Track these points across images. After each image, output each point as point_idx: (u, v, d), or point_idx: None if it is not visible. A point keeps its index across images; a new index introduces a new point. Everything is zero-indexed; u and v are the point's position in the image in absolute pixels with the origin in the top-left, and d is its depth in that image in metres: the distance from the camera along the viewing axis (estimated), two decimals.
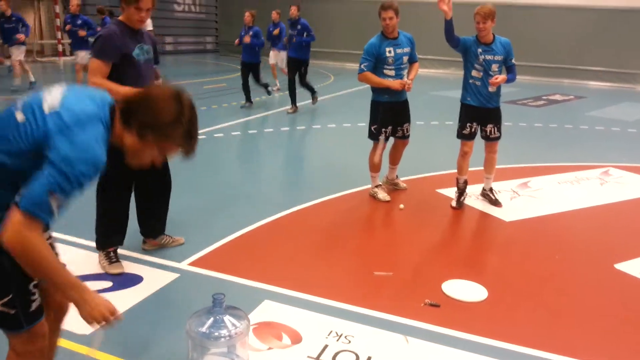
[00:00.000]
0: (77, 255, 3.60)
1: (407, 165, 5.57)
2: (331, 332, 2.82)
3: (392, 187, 5.40)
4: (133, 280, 3.34)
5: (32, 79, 10.71)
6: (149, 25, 3.28)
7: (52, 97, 1.70)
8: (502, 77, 4.63)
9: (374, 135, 5.03)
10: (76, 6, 10.04)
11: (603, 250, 4.10)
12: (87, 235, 3.68)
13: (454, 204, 4.94)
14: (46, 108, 1.65)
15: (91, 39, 8.73)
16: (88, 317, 1.72)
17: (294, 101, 9.63)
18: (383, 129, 4.97)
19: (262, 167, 6.51)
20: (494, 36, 4.67)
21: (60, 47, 17.83)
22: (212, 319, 2.31)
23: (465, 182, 4.95)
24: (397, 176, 5.45)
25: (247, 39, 9.49)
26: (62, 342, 2.45)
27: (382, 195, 5.06)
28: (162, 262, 3.59)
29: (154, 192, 3.64)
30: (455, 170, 4.99)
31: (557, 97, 13.74)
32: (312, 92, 10.08)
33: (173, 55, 21.20)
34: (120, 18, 3.30)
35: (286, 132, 8.24)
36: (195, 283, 3.34)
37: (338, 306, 3.09)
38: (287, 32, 10.02)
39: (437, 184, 5.57)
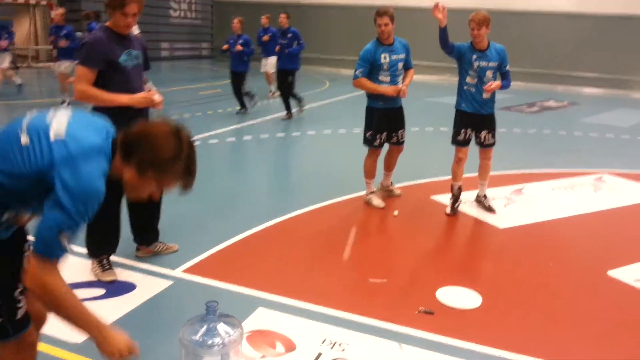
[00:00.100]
0: (69, 262, 3.56)
1: (401, 171, 5.57)
2: (325, 339, 2.81)
3: (387, 193, 5.40)
4: (126, 287, 3.32)
5: (19, 81, 10.67)
6: (135, 29, 3.26)
7: (58, 123, 1.70)
8: (497, 83, 4.66)
9: (368, 142, 5.04)
10: (60, 16, 9.84)
11: (596, 257, 4.11)
12: (80, 242, 3.65)
13: (448, 210, 4.95)
14: (52, 135, 1.66)
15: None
16: (108, 354, 1.77)
17: (288, 108, 9.57)
18: (378, 135, 4.98)
19: (257, 174, 6.50)
20: (488, 43, 4.69)
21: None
22: (205, 326, 2.30)
23: (460, 189, 4.96)
24: (391, 182, 5.46)
25: (239, 48, 9.39)
26: (43, 347, 2.44)
27: (377, 201, 5.06)
28: (156, 269, 3.57)
29: (147, 199, 3.62)
30: (450, 177, 4.99)
31: (552, 103, 13.81)
32: (288, 108, 9.70)
33: (169, 61, 21.20)
34: (107, 24, 3.27)
35: (281, 139, 8.24)
36: (188, 290, 3.33)
37: (332, 314, 3.08)
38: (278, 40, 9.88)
39: (431, 190, 5.58)
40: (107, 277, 3.37)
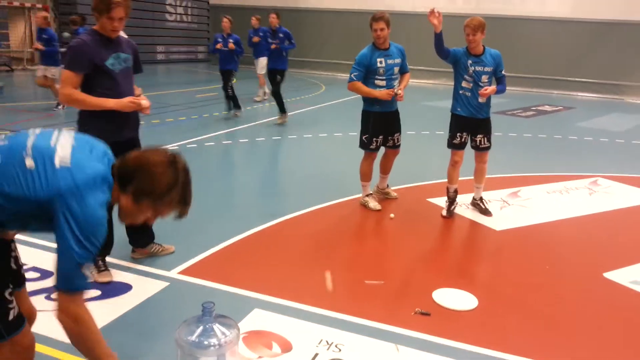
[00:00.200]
0: None
1: (398, 174, 5.59)
2: (322, 340, 2.81)
3: (383, 196, 5.41)
4: (122, 288, 3.31)
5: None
6: (121, 34, 3.21)
7: (63, 148, 1.72)
8: (492, 88, 4.68)
9: (365, 145, 5.05)
10: (42, 19, 9.69)
11: (592, 259, 4.13)
12: None
13: (444, 213, 4.96)
14: (57, 161, 1.68)
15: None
16: None
17: (281, 109, 9.46)
18: (374, 139, 4.99)
19: (253, 176, 6.50)
20: (484, 48, 4.72)
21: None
22: (201, 327, 2.30)
23: (456, 191, 4.98)
24: (387, 185, 5.47)
25: (232, 45, 9.32)
26: (39, 348, 2.43)
27: (373, 204, 5.07)
28: (152, 270, 3.57)
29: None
30: (446, 180, 5.01)
31: (547, 107, 13.87)
32: (282, 110, 9.50)
33: (165, 65, 21.22)
34: (94, 27, 3.24)
35: (277, 141, 8.25)
36: (184, 292, 3.32)
37: (328, 315, 3.08)
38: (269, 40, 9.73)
39: (427, 193, 5.60)
40: (103, 279, 3.36)
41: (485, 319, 3.18)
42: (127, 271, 3.54)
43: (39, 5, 17.45)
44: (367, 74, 4.82)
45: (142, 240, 3.71)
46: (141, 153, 1.82)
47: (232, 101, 9.75)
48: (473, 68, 4.67)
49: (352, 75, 4.82)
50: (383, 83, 4.82)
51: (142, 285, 3.36)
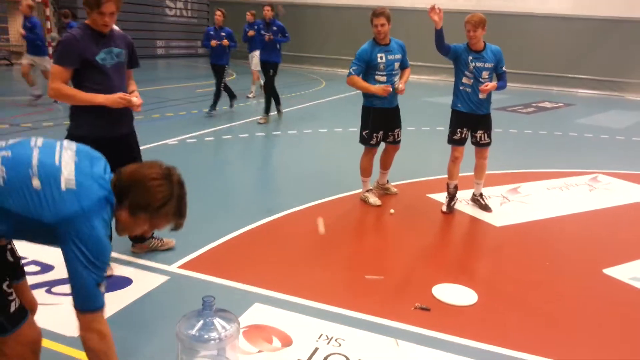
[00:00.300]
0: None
1: (398, 170, 5.59)
2: (322, 335, 2.82)
3: (383, 191, 5.41)
4: (122, 282, 3.31)
5: None
6: (115, 28, 3.15)
7: (67, 167, 1.75)
8: (492, 84, 4.67)
9: (365, 140, 5.05)
10: (26, 7, 9.48)
11: (592, 256, 4.13)
12: None
13: (444, 208, 4.96)
14: (63, 184, 1.71)
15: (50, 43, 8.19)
16: None
17: (267, 109, 9.12)
18: (374, 134, 4.99)
19: (253, 171, 6.50)
20: (484, 44, 4.71)
21: (50, 50, 17.72)
22: (202, 321, 2.30)
23: (456, 187, 4.98)
24: (387, 181, 5.47)
25: (226, 42, 9.08)
26: (46, 343, 2.43)
27: (373, 199, 5.07)
28: (152, 264, 3.57)
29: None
30: (446, 176, 5.01)
31: (547, 104, 13.87)
32: (277, 103, 9.47)
33: (165, 59, 21.18)
34: (86, 21, 3.18)
35: (277, 137, 8.24)
36: (184, 286, 3.33)
37: (329, 309, 3.09)
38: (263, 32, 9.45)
39: (427, 188, 5.60)
40: None
41: (485, 314, 3.18)
42: (128, 265, 3.54)
43: (39, 0, 17.40)
44: (368, 69, 4.81)
45: (141, 235, 3.71)
46: (136, 168, 1.87)
47: (227, 92, 9.62)
48: (474, 64, 4.66)
49: (351, 70, 4.82)
50: (383, 79, 4.81)
51: (143, 280, 3.36)
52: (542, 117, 11.75)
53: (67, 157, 1.78)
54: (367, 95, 4.96)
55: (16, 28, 17.43)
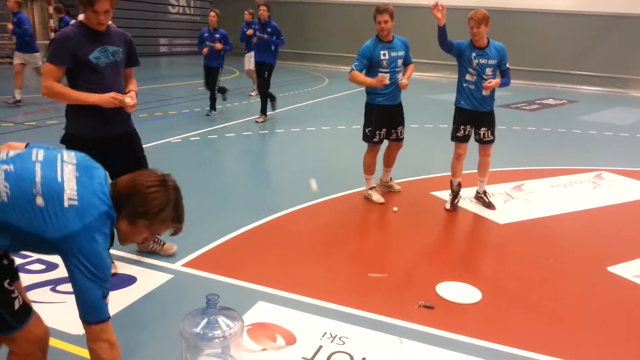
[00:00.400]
0: None
1: (401, 167, 5.58)
2: (325, 333, 2.82)
3: (386, 189, 5.41)
4: (127, 281, 3.32)
5: None
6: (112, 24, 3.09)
7: (69, 183, 1.77)
8: (496, 81, 4.66)
9: (368, 138, 5.04)
10: (13, 3, 9.19)
11: (596, 253, 4.12)
12: None
13: (448, 206, 4.96)
14: (66, 201, 1.73)
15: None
16: None
17: (263, 109, 8.98)
18: (377, 132, 4.98)
19: (256, 169, 6.51)
20: (488, 40, 4.70)
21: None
22: (206, 319, 2.31)
23: (459, 185, 4.97)
24: (391, 178, 5.47)
25: (218, 46, 8.80)
26: (52, 342, 2.43)
27: (376, 197, 5.07)
28: (156, 263, 3.58)
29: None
30: (449, 173, 5.00)
31: (550, 101, 13.83)
32: (272, 100, 9.20)
33: (168, 57, 21.20)
34: (82, 19, 3.12)
35: (280, 134, 8.24)
36: (188, 284, 3.33)
37: (332, 307, 3.09)
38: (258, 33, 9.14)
39: (431, 186, 5.59)
40: None
41: (488, 312, 3.18)
42: (132, 263, 3.55)
43: None
44: (371, 66, 4.80)
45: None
46: (132, 177, 1.91)
47: (212, 98, 9.34)
48: (477, 61, 4.65)
49: (353, 66, 4.81)
50: (386, 75, 4.80)
51: (147, 278, 3.37)
52: (546, 114, 11.72)
53: (69, 172, 1.81)
54: (370, 93, 4.96)
55: None
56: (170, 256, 3.68)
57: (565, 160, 7.10)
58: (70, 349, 2.56)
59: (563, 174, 6.28)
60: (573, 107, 13.10)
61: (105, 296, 1.79)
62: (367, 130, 5.03)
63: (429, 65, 18.08)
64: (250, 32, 9.78)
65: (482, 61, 4.64)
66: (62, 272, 3.33)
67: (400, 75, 4.90)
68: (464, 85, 4.78)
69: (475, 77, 4.69)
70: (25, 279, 3.20)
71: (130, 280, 3.33)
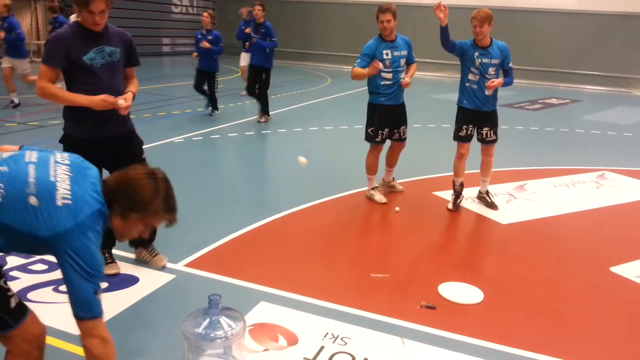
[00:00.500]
0: None
1: (403, 167, 5.58)
2: (327, 333, 2.82)
3: (389, 189, 5.40)
4: (129, 281, 3.33)
5: None
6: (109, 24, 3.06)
7: (62, 183, 1.79)
8: (498, 80, 4.65)
9: (370, 138, 5.04)
10: (2, 7, 8.95)
11: (598, 253, 4.11)
12: None
13: (450, 206, 4.95)
14: (59, 200, 1.75)
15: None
16: None
17: (265, 109, 8.86)
18: (380, 132, 4.98)
19: (259, 169, 6.51)
20: (491, 40, 4.69)
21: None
22: (208, 320, 2.31)
23: (462, 185, 4.96)
24: (393, 178, 5.46)
25: (206, 45, 8.56)
26: (54, 341, 2.44)
27: (379, 197, 5.06)
28: None
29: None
30: (452, 173, 4.99)
31: (554, 100, 13.79)
32: (265, 111, 8.93)
33: (170, 57, 21.22)
34: (78, 19, 3.08)
35: (283, 134, 8.24)
36: (190, 284, 3.34)
37: (334, 308, 3.09)
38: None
39: (433, 186, 5.58)
40: (110, 271, 3.37)
41: (491, 312, 3.17)
42: (134, 264, 3.56)
43: None
44: None
45: (141, 239, 3.62)
46: (120, 173, 1.92)
47: (211, 101, 9.25)
48: (480, 60, 4.64)
49: (355, 64, 4.82)
50: (389, 75, 4.81)
51: (149, 278, 3.37)
52: (549, 113, 11.69)
53: (62, 172, 1.83)
54: (372, 92, 4.96)
55: (23, 26, 17.50)
56: (159, 268, 3.53)
57: (568, 160, 7.09)
58: (72, 349, 2.56)
59: (566, 174, 6.26)
60: (576, 106, 13.07)
61: (97, 292, 1.80)
62: (369, 130, 5.03)
63: (432, 65, 18.06)
64: (249, 30, 9.55)
65: (485, 61, 4.64)
66: None
67: (402, 75, 4.90)
68: (467, 84, 4.77)
69: (477, 77, 4.68)
70: (27, 279, 3.23)
71: (132, 280, 3.34)
